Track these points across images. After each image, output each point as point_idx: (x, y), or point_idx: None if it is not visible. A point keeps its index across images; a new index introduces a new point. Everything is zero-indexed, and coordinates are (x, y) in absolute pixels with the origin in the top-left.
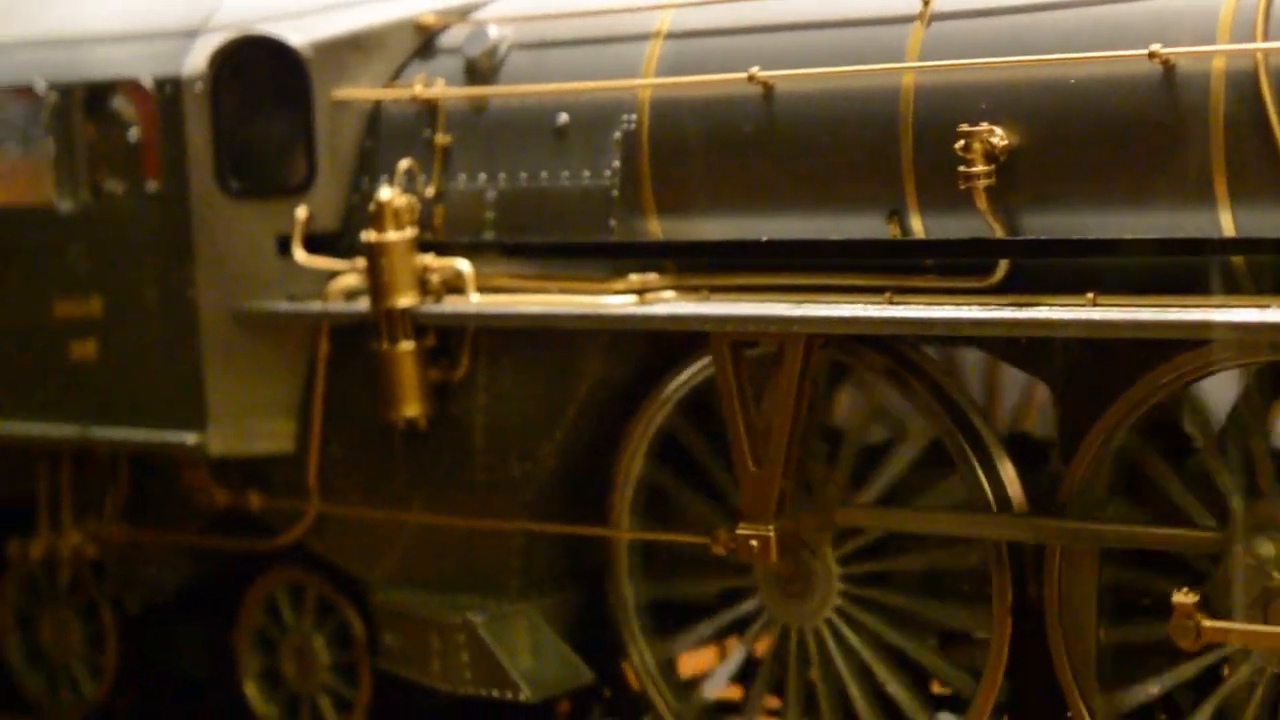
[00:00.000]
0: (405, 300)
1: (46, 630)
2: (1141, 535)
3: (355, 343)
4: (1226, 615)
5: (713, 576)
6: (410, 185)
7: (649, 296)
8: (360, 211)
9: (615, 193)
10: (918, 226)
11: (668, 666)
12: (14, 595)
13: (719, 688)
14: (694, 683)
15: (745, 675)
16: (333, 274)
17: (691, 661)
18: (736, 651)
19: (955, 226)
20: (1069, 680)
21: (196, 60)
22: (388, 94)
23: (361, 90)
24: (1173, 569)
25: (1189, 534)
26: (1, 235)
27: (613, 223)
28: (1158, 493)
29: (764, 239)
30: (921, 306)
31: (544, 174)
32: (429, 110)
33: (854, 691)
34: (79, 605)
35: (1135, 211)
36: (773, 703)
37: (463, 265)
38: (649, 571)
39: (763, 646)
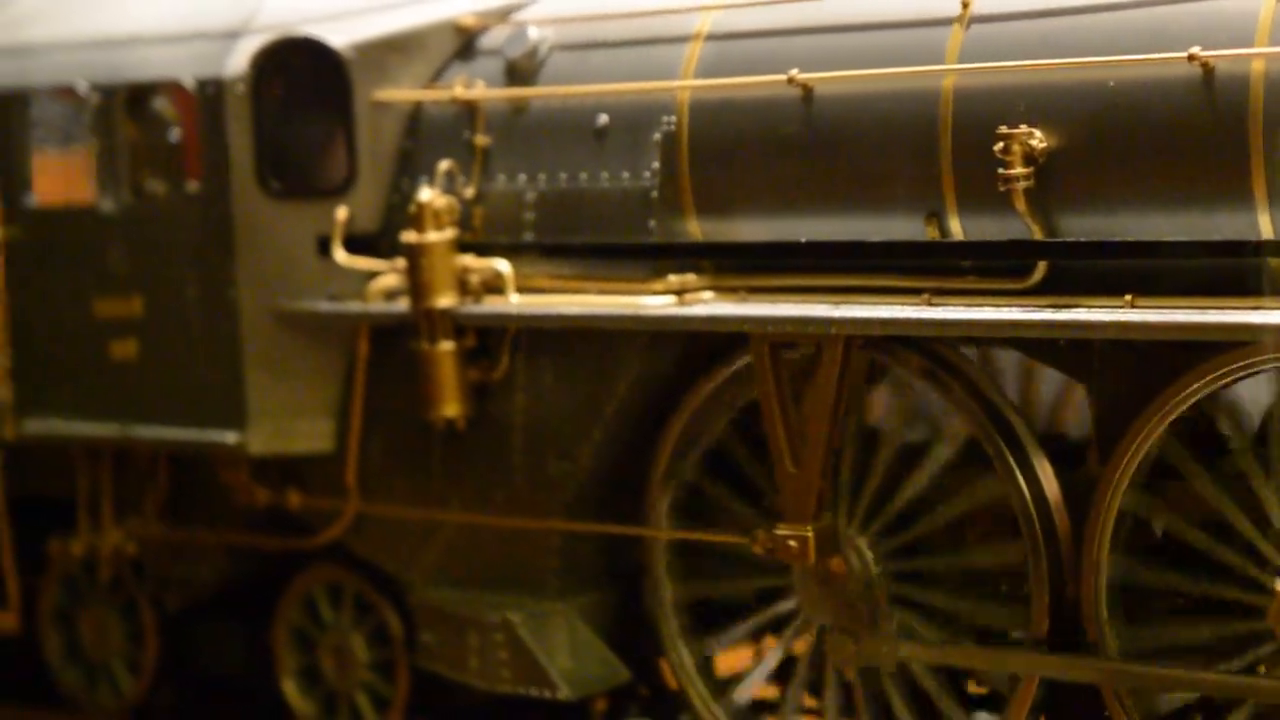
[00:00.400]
0: (445, 301)
1: (86, 628)
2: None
3: (395, 343)
4: None
5: (750, 576)
6: (450, 186)
7: (688, 297)
8: (400, 212)
9: (655, 194)
10: (956, 228)
11: (705, 666)
12: (54, 593)
13: (755, 688)
14: (731, 682)
15: (781, 674)
16: (372, 274)
17: (728, 660)
18: (773, 651)
19: (994, 228)
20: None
21: (238, 61)
22: (428, 95)
23: (402, 91)
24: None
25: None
26: (44, 235)
27: (652, 224)
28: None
29: (803, 240)
30: (960, 308)
31: (583, 175)
32: (469, 111)
33: (891, 691)
34: (118, 603)
35: (1173, 213)
36: (809, 702)
37: (502, 266)
38: (686, 570)
39: (800, 646)
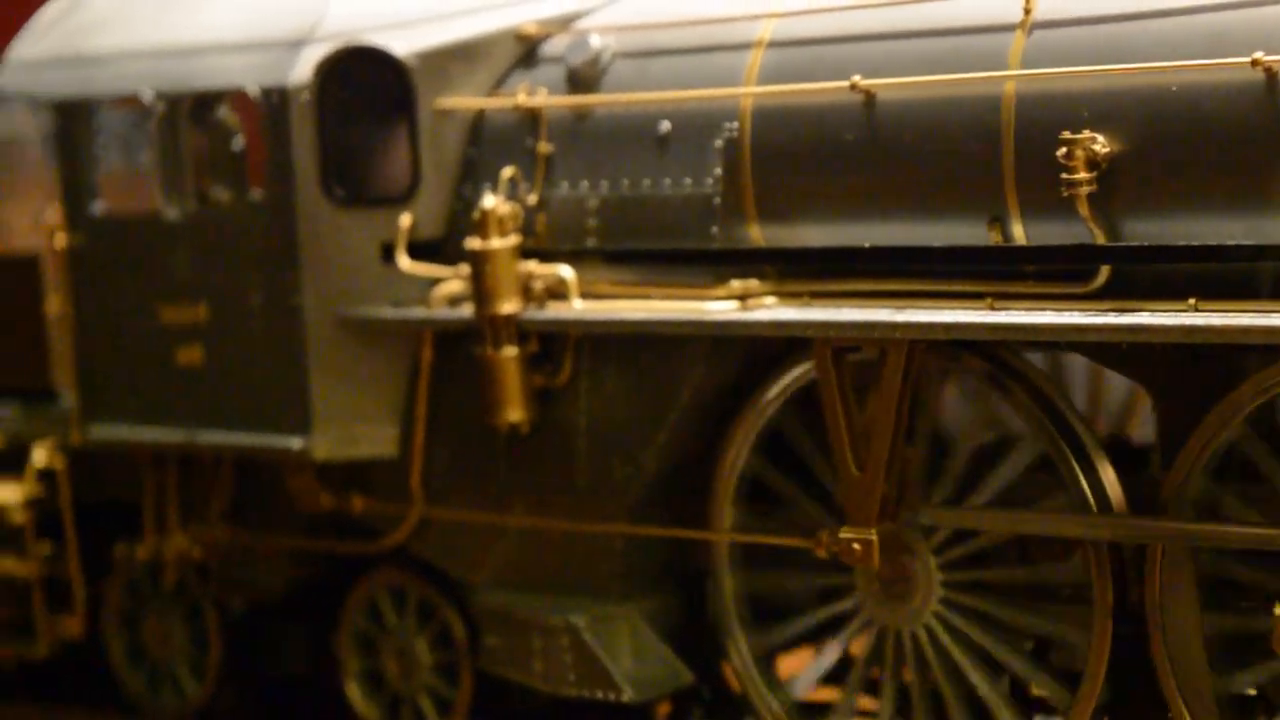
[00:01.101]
0: (509, 306)
1: (150, 631)
2: (1237, 536)
3: (458, 348)
4: None
5: (813, 574)
6: (514, 193)
7: (751, 302)
8: (463, 219)
9: (717, 200)
10: (1019, 233)
11: (767, 668)
12: (119, 596)
13: (811, 685)
14: (792, 684)
15: (838, 675)
16: (436, 280)
17: (790, 664)
18: (830, 651)
19: (1057, 232)
20: (1170, 682)
21: (302, 70)
22: (491, 103)
23: (465, 99)
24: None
25: None
26: (109, 243)
27: (714, 229)
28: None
29: (866, 245)
30: (1023, 312)
31: (646, 181)
32: (531, 119)
33: (948, 694)
34: (183, 607)
35: (1236, 217)
36: (865, 704)
37: (565, 272)
38: (749, 565)
39: (858, 647)
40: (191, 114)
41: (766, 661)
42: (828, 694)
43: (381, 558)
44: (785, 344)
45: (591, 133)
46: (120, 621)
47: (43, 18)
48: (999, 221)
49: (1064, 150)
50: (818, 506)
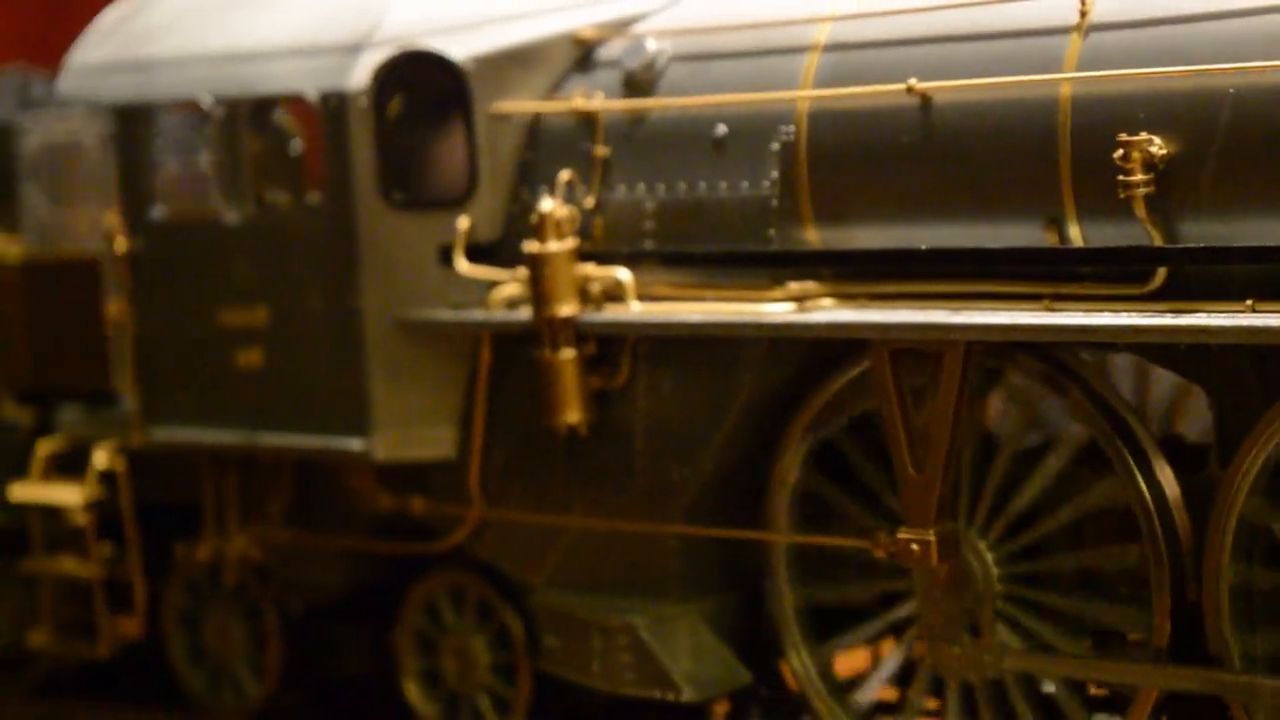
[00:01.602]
0: (567, 309)
1: (210, 631)
2: None
3: (516, 351)
4: None
5: (870, 579)
6: (571, 196)
7: (808, 304)
8: (520, 222)
9: (774, 202)
10: (1076, 234)
11: (826, 667)
12: (179, 597)
13: (875, 690)
14: (851, 683)
15: (902, 676)
16: (494, 283)
17: (848, 662)
18: (893, 655)
19: (1113, 234)
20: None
21: (360, 74)
22: (547, 106)
23: (522, 103)
24: None
25: None
26: (168, 247)
27: (771, 232)
28: None
29: (923, 247)
30: (1080, 313)
31: (703, 184)
32: (588, 122)
33: (1012, 692)
34: (242, 607)
35: None
36: (930, 704)
37: (623, 274)
38: (806, 573)
39: (920, 649)
40: (250, 118)
41: (824, 662)
42: (886, 692)
43: (440, 558)
44: (843, 345)
45: (648, 136)
46: (180, 622)
47: (102, 23)
48: (1056, 223)
49: (1121, 152)
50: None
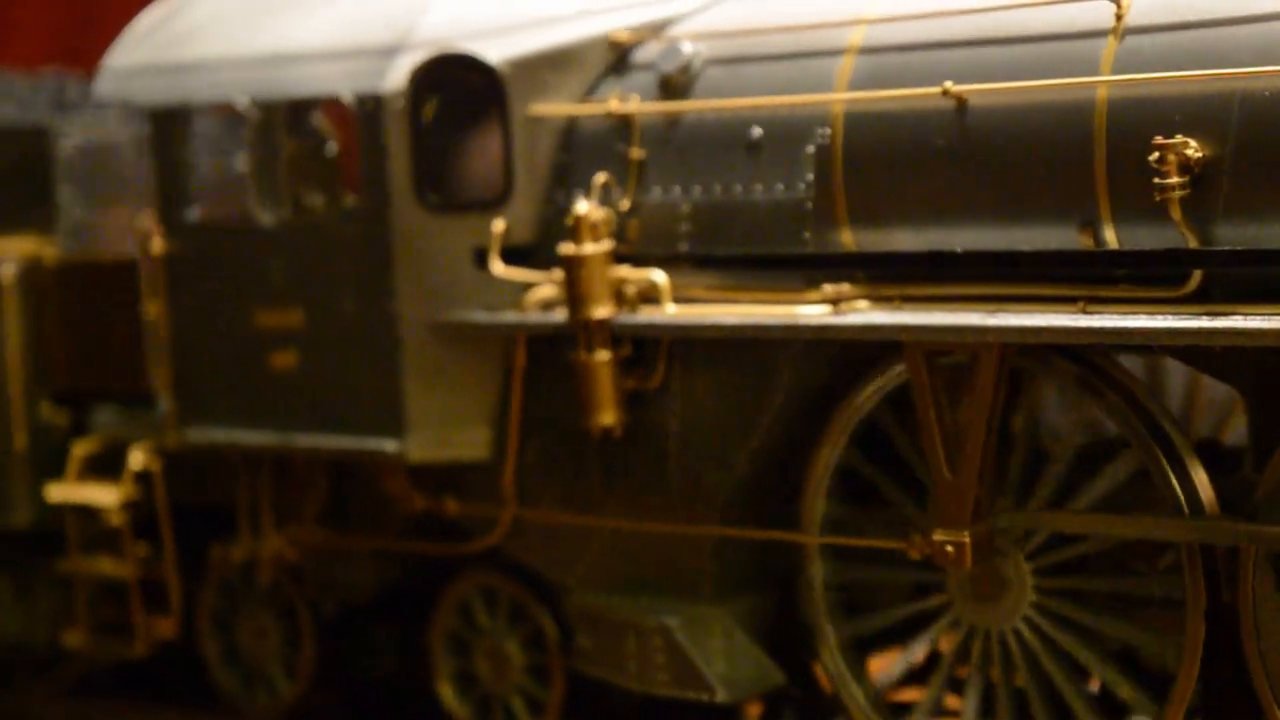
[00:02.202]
0: (602, 311)
1: (244, 631)
2: None
3: (551, 352)
4: None
5: (903, 571)
6: (606, 198)
7: (843, 306)
8: (555, 224)
9: (809, 205)
10: (1111, 237)
11: (859, 668)
12: (214, 597)
13: (897, 676)
14: (883, 684)
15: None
16: (529, 285)
17: (881, 664)
18: (919, 641)
19: (1149, 237)
20: (1264, 685)
21: (397, 77)
22: (583, 109)
23: (557, 105)
24: None
25: None
26: (204, 249)
27: (806, 234)
28: None
29: (958, 250)
30: (1115, 316)
31: (738, 187)
32: (624, 125)
33: (1033, 696)
34: (277, 607)
35: None
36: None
37: (658, 276)
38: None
39: (946, 644)
40: (287, 121)
41: (857, 660)
42: (917, 694)
43: (474, 559)
44: (878, 347)
45: (683, 139)
46: (215, 622)
47: (138, 26)
48: (1091, 226)
49: (1156, 155)
50: (912, 505)
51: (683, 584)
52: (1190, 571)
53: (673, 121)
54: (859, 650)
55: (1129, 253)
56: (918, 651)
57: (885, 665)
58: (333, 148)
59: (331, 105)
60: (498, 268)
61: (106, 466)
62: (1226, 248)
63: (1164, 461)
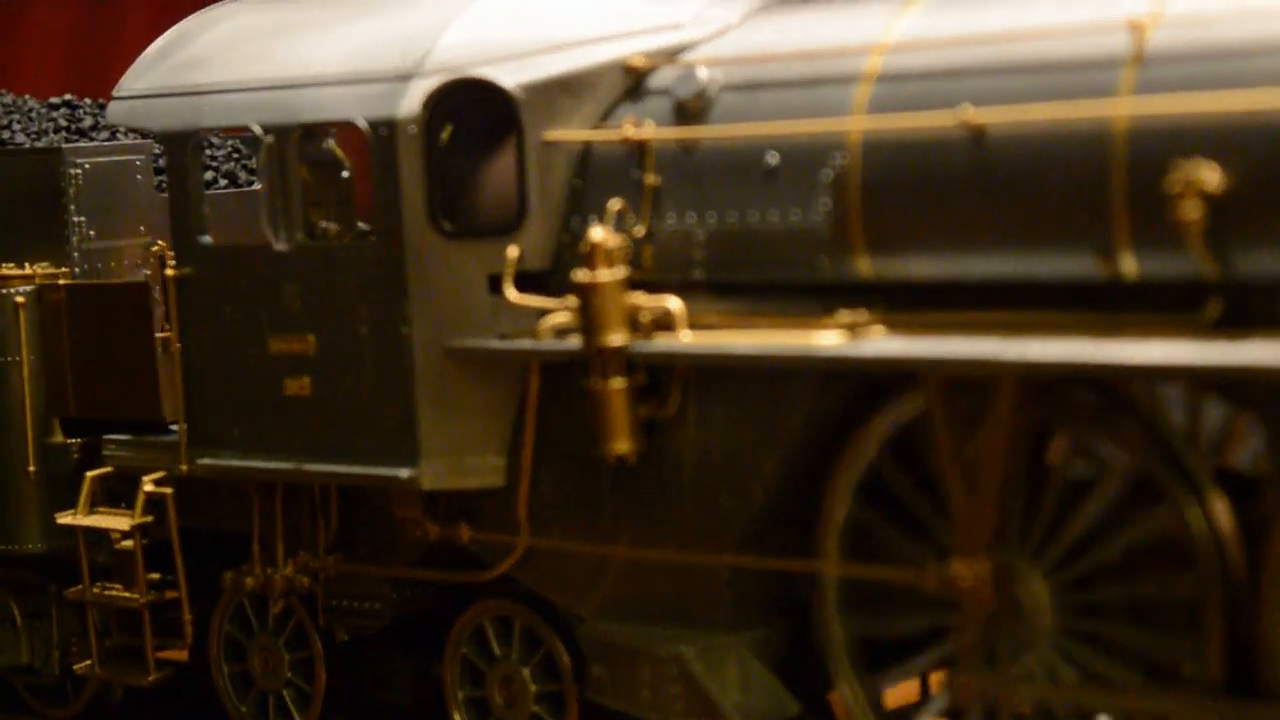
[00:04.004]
0: (617, 338)
1: (256, 659)
2: None
3: (566, 380)
4: None
5: (919, 612)
6: (621, 225)
7: (859, 334)
8: (570, 250)
9: (824, 232)
10: (1130, 265)
11: (875, 699)
12: (225, 624)
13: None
14: (901, 714)
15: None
16: (543, 312)
17: (898, 693)
18: (945, 689)
19: (1168, 265)
20: None
21: (411, 102)
22: (598, 135)
23: (572, 131)
24: None
25: None
26: (217, 274)
27: (822, 261)
28: None
29: (974, 278)
30: (1134, 344)
31: (753, 213)
32: (638, 151)
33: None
34: (289, 635)
35: None
36: None
37: (673, 303)
38: (855, 607)
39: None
40: (300, 146)
41: (877, 700)
42: None
43: (488, 587)
44: (895, 375)
45: (698, 165)
46: (227, 650)
47: (150, 51)
48: (1109, 254)
49: (1175, 183)
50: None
51: (698, 613)
52: (1209, 604)
53: (688, 147)
54: (875, 680)
55: (1148, 282)
56: (942, 701)
57: (903, 694)
58: (347, 174)
59: (345, 130)
60: (512, 294)
61: (119, 493)
62: (1247, 276)
63: (1183, 492)
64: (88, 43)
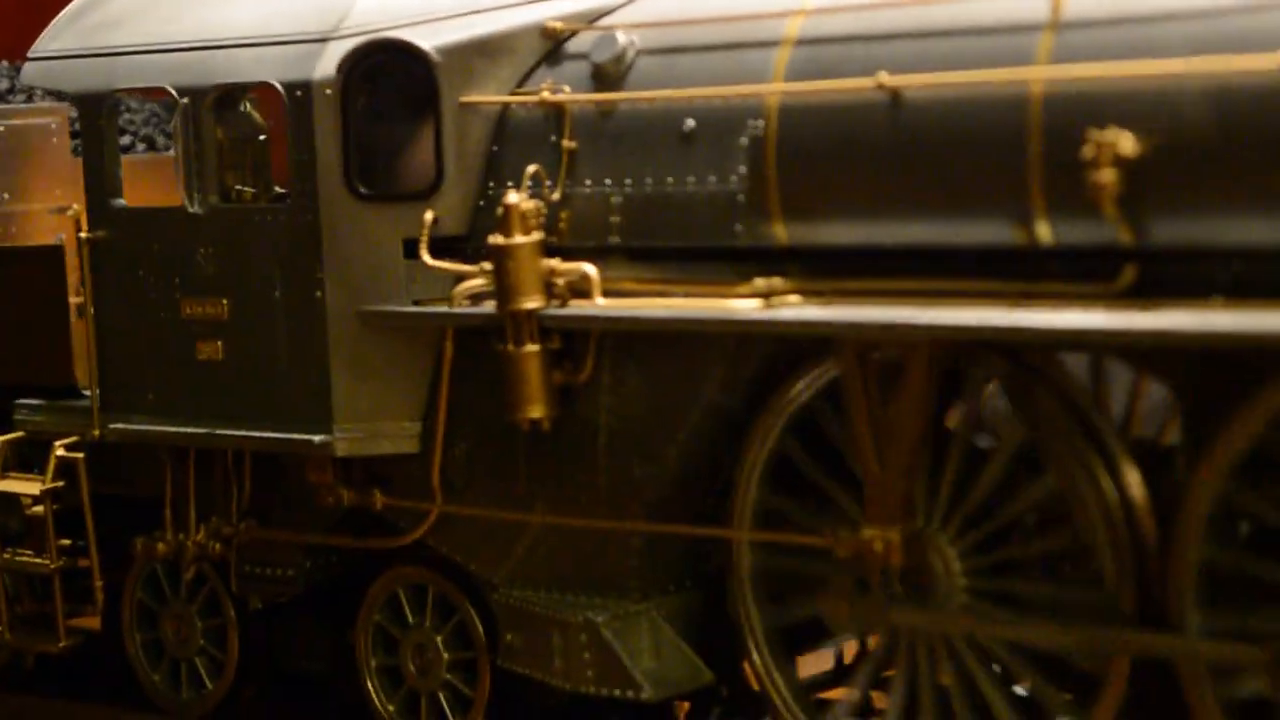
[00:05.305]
0: (531, 303)
1: (169, 626)
2: None
3: (480, 345)
4: None
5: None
6: (537, 189)
7: (775, 301)
8: (486, 215)
9: (741, 198)
10: (1045, 232)
11: (787, 667)
12: (137, 591)
13: (818, 665)
14: (813, 683)
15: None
16: (459, 277)
17: (811, 662)
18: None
19: (1083, 232)
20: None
21: (327, 65)
22: (515, 99)
23: (489, 95)
24: None
25: None
26: (131, 236)
27: (738, 228)
28: None
29: (891, 244)
30: (1048, 312)
31: (670, 179)
32: (556, 115)
33: (955, 694)
34: (201, 602)
35: (1267, 217)
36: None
37: (588, 269)
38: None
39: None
40: (216, 108)
41: (789, 668)
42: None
43: (401, 554)
44: (810, 341)
45: (616, 130)
46: (139, 616)
47: (66, 11)
48: (1025, 221)
49: (1090, 149)
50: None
51: (611, 580)
52: (1119, 574)
53: (605, 112)
54: (787, 646)
55: (1062, 248)
56: (846, 649)
57: (817, 663)
58: (263, 136)
59: (263, 93)
60: (427, 259)
61: (31, 458)
62: (1160, 243)
63: (1097, 462)
64: (4, 4)
